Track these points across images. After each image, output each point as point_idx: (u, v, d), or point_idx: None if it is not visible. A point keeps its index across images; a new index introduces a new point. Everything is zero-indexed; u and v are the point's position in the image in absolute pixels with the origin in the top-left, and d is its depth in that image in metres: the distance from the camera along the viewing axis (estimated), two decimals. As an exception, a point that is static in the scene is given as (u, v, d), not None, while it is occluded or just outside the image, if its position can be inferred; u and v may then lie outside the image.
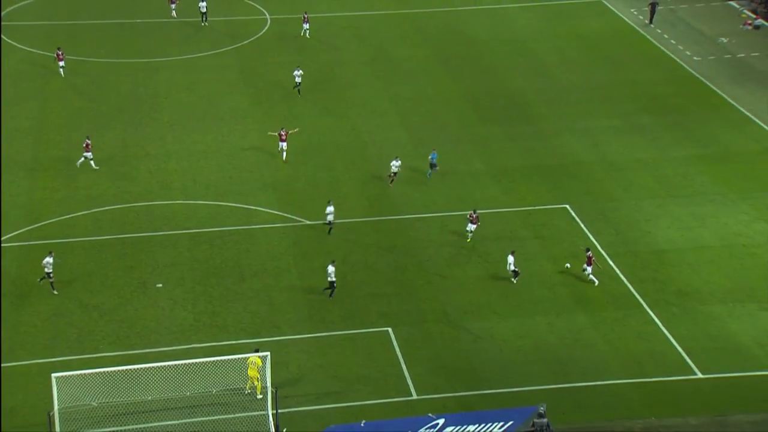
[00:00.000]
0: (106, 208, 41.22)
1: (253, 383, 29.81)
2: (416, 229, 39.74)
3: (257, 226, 40.23)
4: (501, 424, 28.92)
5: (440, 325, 34.19)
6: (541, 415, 28.26)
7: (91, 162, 43.78)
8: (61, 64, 53.20)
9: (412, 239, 39.20)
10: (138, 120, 49.34)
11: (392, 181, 41.71)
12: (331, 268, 34.97)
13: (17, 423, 28.99)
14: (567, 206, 42.06)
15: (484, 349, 33.01)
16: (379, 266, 37.30)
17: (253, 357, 29.62)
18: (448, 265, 37.69)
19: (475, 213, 38.70)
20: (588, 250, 36.77)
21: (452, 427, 28.80)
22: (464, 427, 28.83)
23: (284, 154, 44.27)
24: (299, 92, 51.33)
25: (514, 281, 36.25)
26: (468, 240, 38.47)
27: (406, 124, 49.73)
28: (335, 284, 35.01)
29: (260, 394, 29.76)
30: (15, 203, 41.27)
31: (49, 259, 34.50)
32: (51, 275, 34.40)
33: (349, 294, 35.72)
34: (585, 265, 36.32)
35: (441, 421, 28.95)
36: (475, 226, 38.36)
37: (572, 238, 39.72)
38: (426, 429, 28.72)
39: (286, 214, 41.12)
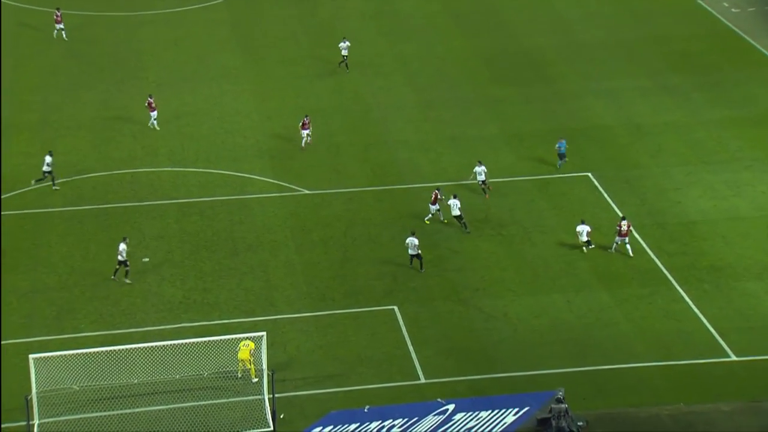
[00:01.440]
0: (88, 175, 41.07)
1: (245, 366, 29.83)
2: (424, 199, 39.53)
3: (252, 196, 40.09)
4: (516, 410, 28.97)
5: (450, 304, 34.14)
6: (559, 401, 28.26)
7: (154, 122, 43.84)
8: (60, 26, 52.17)
9: (420, 210, 39.04)
10: (121, 79, 49.05)
11: (485, 191, 39.45)
12: (415, 241, 34.77)
13: (-8, 408, 29.11)
14: (589, 174, 41.81)
15: (497, 329, 32.98)
16: (384, 239, 37.19)
17: (247, 340, 29.65)
18: (459, 238, 37.58)
19: (439, 191, 37.86)
20: (623, 218, 36.41)
21: (463, 413, 28.85)
22: (476, 413, 28.87)
23: (304, 141, 42.65)
24: (347, 67, 49.52)
25: (586, 251, 36.18)
26: (427, 221, 37.79)
27: (412, 85, 49.38)
28: (421, 255, 34.93)
29: (255, 377, 29.81)
30: (-12, 170, 41.19)
31: (123, 246, 34.16)
32: (127, 263, 34.18)
33: (351, 270, 35.67)
34: (618, 237, 36.08)
35: (451, 407, 29.01)
36: (436, 207, 37.77)
37: (594, 208, 39.51)
38: (435, 415, 28.77)
39: (283, 183, 40.97)
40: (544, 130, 45.19)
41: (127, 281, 34.36)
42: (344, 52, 49.65)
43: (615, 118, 46.47)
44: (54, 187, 39.60)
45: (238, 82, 49.27)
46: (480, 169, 39.43)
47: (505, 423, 28.68)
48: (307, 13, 56.62)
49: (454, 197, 37.53)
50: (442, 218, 38.09)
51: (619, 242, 36.27)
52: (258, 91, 48.37)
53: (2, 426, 28.46)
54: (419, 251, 35.07)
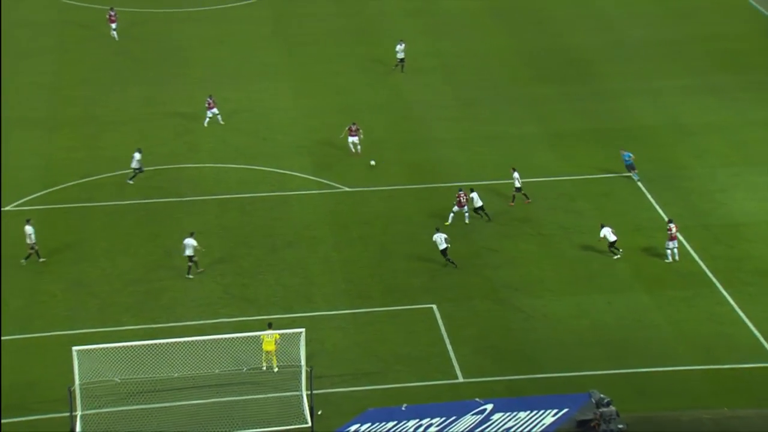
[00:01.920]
0: (130, 170, 41.50)
1: (269, 358, 29.90)
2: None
3: (291, 193, 40.25)
4: (555, 411, 28.66)
5: (488, 303, 33.97)
6: (609, 403, 27.93)
7: (218, 117, 44.42)
8: (113, 26, 52.39)
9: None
10: (164, 76, 49.54)
11: (526, 196, 38.94)
12: (443, 235, 34.80)
13: (35, 398, 29.54)
14: (632, 174, 41.34)
15: (535, 329, 32.75)
16: (423, 237, 37.09)
17: (270, 331, 29.79)
18: (498, 237, 37.36)
19: (462, 191, 37.46)
20: (671, 221, 35.97)
21: (501, 414, 28.63)
22: (514, 413, 28.63)
23: (358, 148, 41.95)
24: (402, 69, 49.18)
25: (617, 256, 35.81)
26: (447, 222, 37.48)
27: (452, 82, 49.25)
28: (447, 251, 34.89)
29: (276, 367, 29.86)
30: (32, 164, 41.82)
31: (191, 241, 34.47)
32: (193, 258, 34.57)
33: (389, 267, 35.64)
34: (669, 241, 35.54)
35: (489, 407, 28.80)
36: (464, 208, 37.43)
37: (636, 210, 39.05)
38: (473, 414, 28.59)
39: (322, 180, 41.07)
40: (585, 130, 44.77)
41: (190, 276, 34.67)
42: (400, 55, 49.26)
43: (658, 119, 45.89)
44: (128, 181, 40.06)
45: (280, 79, 49.51)
46: (515, 176, 38.88)
47: (543, 424, 28.40)
48: (348, 11, 56.68)
49: (472, 191, 37.63)
50: (466, 220, 37.75)
51: (670, 246, 35.66)
52: (299, 89, 48.56)
53: (48, 416, 28.88)
54: (445, 246, 34.86)
